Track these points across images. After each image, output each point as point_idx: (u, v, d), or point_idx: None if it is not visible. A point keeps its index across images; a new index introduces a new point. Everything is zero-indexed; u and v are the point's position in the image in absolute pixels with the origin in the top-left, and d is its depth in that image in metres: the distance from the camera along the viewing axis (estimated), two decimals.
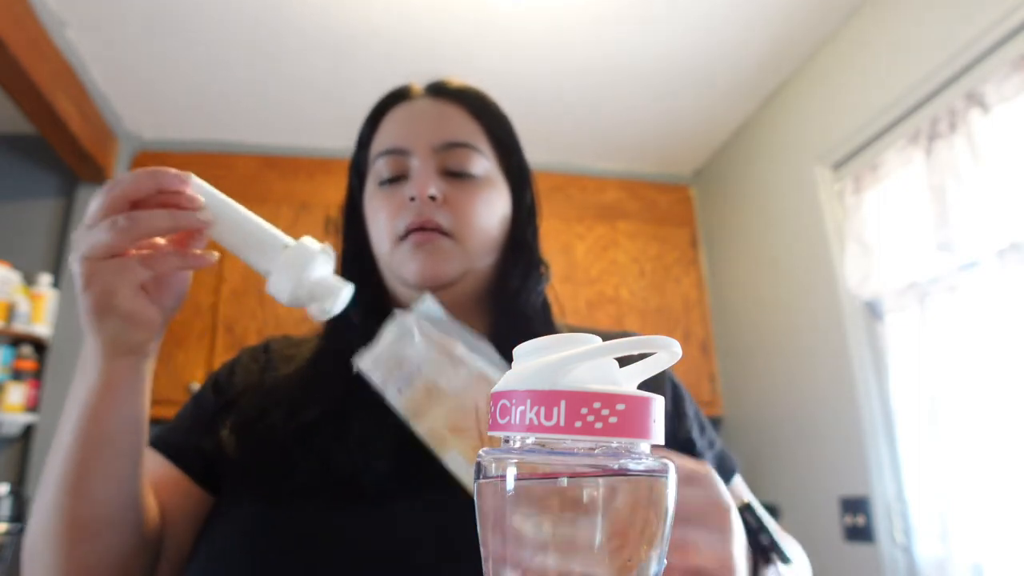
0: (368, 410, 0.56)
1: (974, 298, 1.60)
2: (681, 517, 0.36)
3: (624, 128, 2.67)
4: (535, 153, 0.69)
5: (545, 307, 0.68)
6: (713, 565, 0.36)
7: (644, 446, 0.25)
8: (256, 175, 2.67)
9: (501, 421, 0.25)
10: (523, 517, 0.24)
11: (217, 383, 0.63)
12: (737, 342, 2.63)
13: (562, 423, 0.24)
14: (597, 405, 0.24)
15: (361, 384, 0.58)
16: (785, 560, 0.42)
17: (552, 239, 2.66)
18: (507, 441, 0.26)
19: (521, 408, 0.25)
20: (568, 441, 0.24)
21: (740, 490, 0.62)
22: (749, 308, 2.55)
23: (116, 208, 0.44)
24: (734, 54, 2.22)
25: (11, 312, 2.23)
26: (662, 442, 0.25)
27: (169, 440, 0.59)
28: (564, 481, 0.23)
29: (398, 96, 0.68)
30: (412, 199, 0.60)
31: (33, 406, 2.29)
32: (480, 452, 0.26)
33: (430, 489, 0.50)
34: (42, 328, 2.31)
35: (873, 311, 1.97)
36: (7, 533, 1.99)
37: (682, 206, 2.94)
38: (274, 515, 0.50)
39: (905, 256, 1.78)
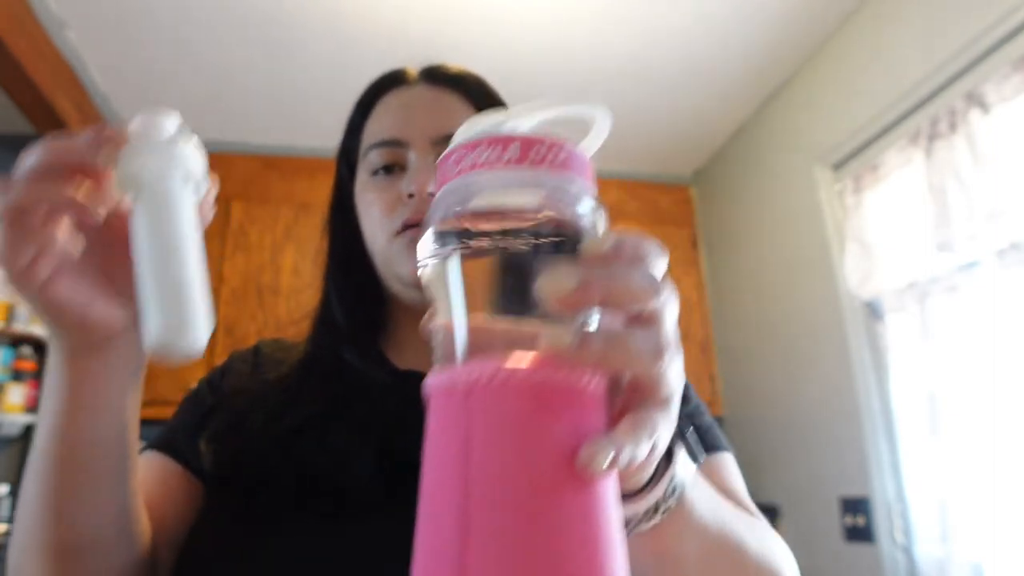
0: (353, 418, 0.54)
1: (974, 298, 1.60)
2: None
3: (624, 128, 2.66)
4: None
5: None
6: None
7: (590, 186, 0.28)
8: (256, 175, 2.67)
9: (455, 170, 0.27)
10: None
11: (211, 383, 0.62)
12: (737, 342, 2.63)
13: (516, 157, 0.25)
14: (546, 146, 0.26)
15: (347, 390, 0.56)
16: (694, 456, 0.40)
17: None
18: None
19: (474, 153, 0.26)
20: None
21: (726, 471, 0.58)
22: (749, 308, 2.55)
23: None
24: (734, 54, 2.22)
25: (11, 312, 2.23)
26: (595, 193, 0.28)
27: (169, 438, 0.57)
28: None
29: (392, 80, 0.63)
30: (411, 196, 0.56)
31: (33, 406, 2.29)
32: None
33: (415, 504, 0.48)
34: (42, 329, 2.30)
35: (873, 311, 1.97)
36: (7, 533, 1.99)
37: (682, 206, 2.94)
38: (252, 528, 0.48)
39: (905, 256, 1.78)
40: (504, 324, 0.26)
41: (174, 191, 0.35)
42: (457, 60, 0.66)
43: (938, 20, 1.72)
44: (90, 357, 0.39)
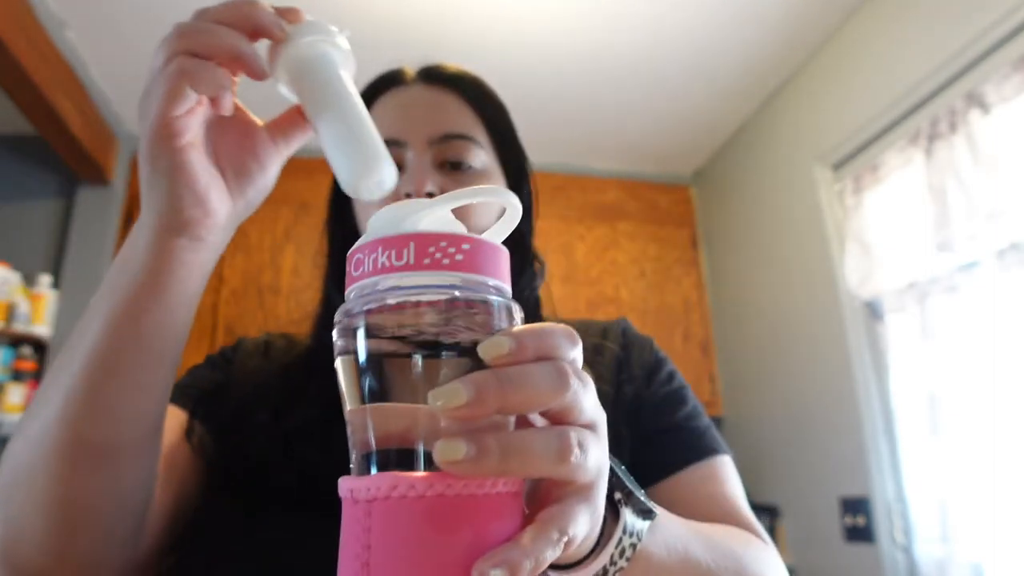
0: None
1: (974, 298, 1.60)
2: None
3: (624, 128, 2.66)
4: (535, 153, 0.68)
5: (536, 305, 0.65)
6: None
7: (492, 283, 0.27)
8: None
9: (355, 274, 0.27)
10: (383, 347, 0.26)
11: (224, 355, 0.64)
12: (737, 342, 2.63)
13: (411, 261, 0.25)
14: (444, 244, 0.26)
15: None
16: (645, 513, 0.35)
17: (552, 239, 2.66)
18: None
19: (373, 256, 0.26)
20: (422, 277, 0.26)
21: (722, 475, 0.57)
22: (749, 308, 2.55)
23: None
24: (734, 54, 2.22)
25: (11, 313, 2.23)
26: (509, 289, 0.27)
27: (180, 392, 0.57)
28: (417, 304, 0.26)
29: (390, 81, 0.64)
30: (408, 195, 0.57)
31: None
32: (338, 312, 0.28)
33: None
34: (42, 329, 2.31)
35: (873, 311, 1.97)
36: None
37: (682, 206, 2.94)
38: (252, 526, 0.48)
39: (905, 256, 1.78)
40: (411, 422, 0.26)
41: (338, 61, 0.42)
42: (457, 60, 0.66)
43: (938, 20, 1.72)
44: (183, 242, 0.39)
